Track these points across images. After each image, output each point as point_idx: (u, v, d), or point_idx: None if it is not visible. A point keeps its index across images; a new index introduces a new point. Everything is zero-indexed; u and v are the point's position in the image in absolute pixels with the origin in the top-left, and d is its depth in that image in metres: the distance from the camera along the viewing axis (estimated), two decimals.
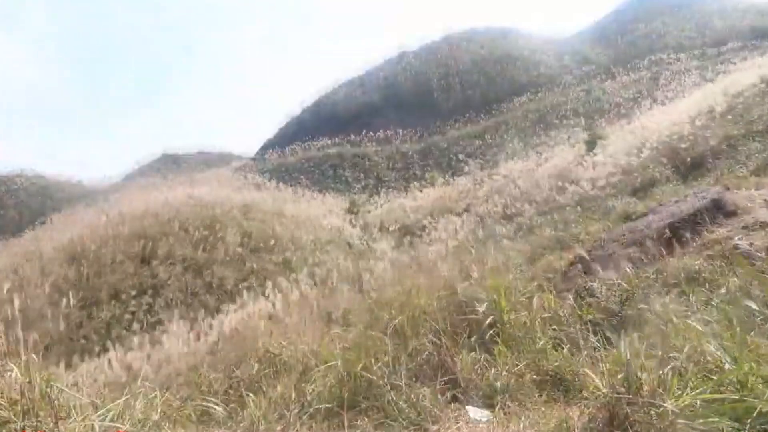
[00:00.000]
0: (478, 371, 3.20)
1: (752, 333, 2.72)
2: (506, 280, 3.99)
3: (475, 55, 42.00)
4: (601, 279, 4.52)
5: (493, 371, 3.17)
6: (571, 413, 2.65)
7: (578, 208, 14.47)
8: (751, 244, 4.55)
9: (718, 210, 5.72)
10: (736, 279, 3.76)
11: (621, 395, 2.31)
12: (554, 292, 4.25)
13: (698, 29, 37.10)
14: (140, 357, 10.55)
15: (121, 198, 24.35)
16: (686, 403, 2.17)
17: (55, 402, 2.27)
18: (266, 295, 13.23)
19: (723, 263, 4.31)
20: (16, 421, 2.13)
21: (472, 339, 3.51)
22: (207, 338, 11.24)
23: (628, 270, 4.58)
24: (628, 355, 2.45)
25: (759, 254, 4.28)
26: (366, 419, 2.87)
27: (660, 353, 2.59)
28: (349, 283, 13.76)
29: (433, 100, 39.20)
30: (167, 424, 2.73)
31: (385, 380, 3.04)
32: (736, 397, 2.14)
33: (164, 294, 14.24)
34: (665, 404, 2.18)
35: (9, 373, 2.29)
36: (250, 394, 3.19)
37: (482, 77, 39.68)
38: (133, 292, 14.30)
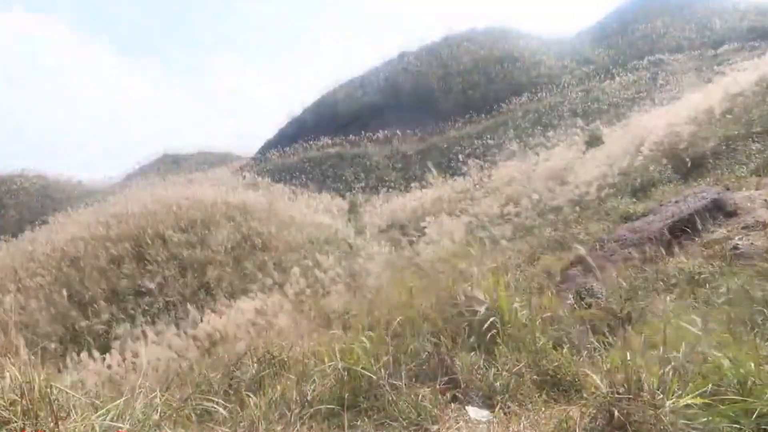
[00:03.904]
0: (478, 371, 3.20)
1: (752, 333, 2.73)
2: (505, 281, 3.99)
3: (475, 56, 41.97)
4: (601, 279, 4.52)
5: (493, 371, 3.16)
6: (571, 413, 2.65)
7: (577, 208, 14.47)
8: (751, 244, 4.55)
9: (719, 210, 5.73)
10: (736, 279, 3.76)
11: (621, 395, 2.31)
12: (554, 292, 4.26)
13: (697, 30, 37.12)
14: (138, 357, 10.54)
15: (120, 198, 24.33)
16: (686, 403, 2.17)
17: (55, 402, 2.26)
18: (265, 295, 13.24)
19: (723, 263, 4.31)
20: (16, 422, 2.13)
21: (472, 339, 3.51)
22: (205, 338, 11.25)
23: (628, 270, 4.58)
24: (628, 356, 2.45)
25: (759, 254, 4.28)
26: (366, 419, 2.87)
27: (660, 353, 2.59)
28: (347, 283, 13.78)
29: (433, 100, 39.18)
30: (167, 423, 2.72)
31: (386, 380, 3.04)
32: (736, 398, 2.14)
33: (161, 294, 14.23)
34: (665, 404, 2.18)
35: (8, 374, 2.28)
36: (250, 395, 3.19)
37: (482, 77, 39.68)
38: (130, 292, 14.30)
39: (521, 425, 2.71)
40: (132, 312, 13.62)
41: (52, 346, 11.79)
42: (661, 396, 2.24)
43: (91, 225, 18.20)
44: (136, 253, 15.86)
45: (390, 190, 29.21)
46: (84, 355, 10.89)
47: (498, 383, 3.07)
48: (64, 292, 14.06)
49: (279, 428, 2.78)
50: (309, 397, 3.04)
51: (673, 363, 2.44)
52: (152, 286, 14.40)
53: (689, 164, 12.44)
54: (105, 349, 11.40)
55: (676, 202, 6.85)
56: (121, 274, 14.95)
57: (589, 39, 43.80)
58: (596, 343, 3.36)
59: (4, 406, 2.15)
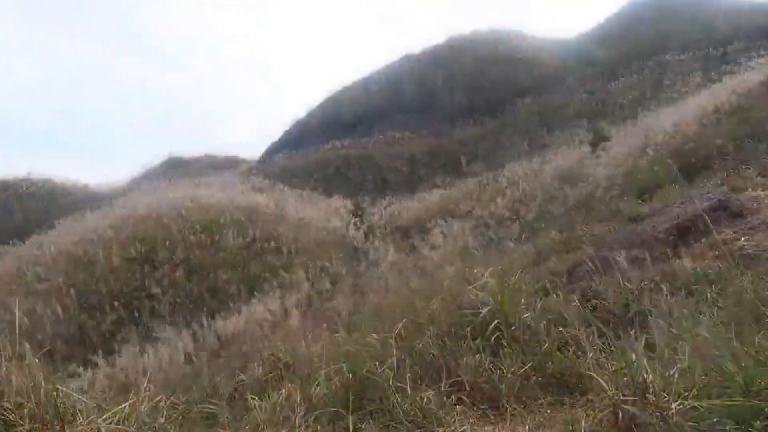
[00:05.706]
0: (483, 374, 3.19)
1: (759, 335, 2.71)
2: (510, 282, 3.98)
3: (478, 58, 41.96)
4: (606, 280, 4.50)
5: (498, 374, 3.16)
6: (576, 415, 2.64)
7: (582, 209, 14.42)
8: (757, 245, 4.52)
9: (724, 211, 5.69)
10: (742, 280, 3.73)
11: (627, 397, 2.30)
12: (559, 293, 4.24)
13: (703, 30, 36.92)
14: (145, 360, 10.58)
15: (126, 201, 24.43)
16: (692, 405, 2.16)
17: (61, 405, 2.28)
18: (270, 298, 13.26)
19: (729, 264, 4.27)
20: (22, 425, 2.14)
21: (477, 341, 3.50)
22: (211, 342, 11.27)
23: (633, 271, 4.56)
24: (634, 357, 2.44)
25: (766, 255, 4.25)
26: (371, 422, 2.87)
27: (666, 355, 2.58)
28: (353, 286, 13.78)
29: (438, 102, 39.24)
30: (173, 427, 2.73)
31: (391, 383, 3.03)
32: (743, 400, 2.12)
33: (168, 297, 14.28)
34: (671, 406, 2.16)
35: (14, 377, 2.29)
36: (255, 398, 3.19)
37: (486, 79, 39.64)
38: (137, 296, 14.36)
39: (527, 427, 2.71)
40: (139, 314, 13.68)
41: (59, 348, 11.85)
42: (667, 398, 2.22)
43: (98, 228, 18.30)
44: (143, 256, 15.94)
45: (396, 192, 29.19)
46: (90, 357, 10.95)
47: (503, 385, 3.07)
48: (72, 295, 14.14)
49: (284, 431, 2.79)
50: (314, 400, 3.04)
51: (678, 365, 2.43)
52: (159, 289, 14.46)
53: (695, 165, 12.37)
54: (112, 352, 11.45)
55: (682, 203, 6.82)
56: (128, 277, 15.03)
57: (593, 40, 43.70)
58: (602, 345, 3.34)
59: (10, 409, 2.16)
